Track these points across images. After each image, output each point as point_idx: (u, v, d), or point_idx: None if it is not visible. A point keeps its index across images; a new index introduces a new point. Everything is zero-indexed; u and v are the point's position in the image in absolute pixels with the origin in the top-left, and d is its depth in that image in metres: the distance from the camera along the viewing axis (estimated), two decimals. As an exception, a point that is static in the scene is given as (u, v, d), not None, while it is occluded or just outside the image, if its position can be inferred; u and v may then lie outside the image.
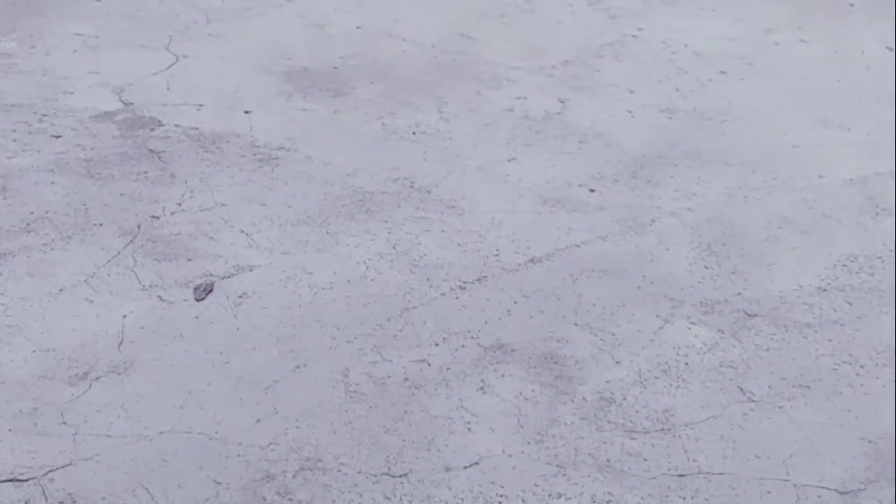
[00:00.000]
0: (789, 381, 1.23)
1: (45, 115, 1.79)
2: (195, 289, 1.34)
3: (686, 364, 1.24)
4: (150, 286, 1.35)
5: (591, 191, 1.66)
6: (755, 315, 1.33)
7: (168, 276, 1.38)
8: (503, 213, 1.57)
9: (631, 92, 1.99)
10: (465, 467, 1.09)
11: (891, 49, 2.17)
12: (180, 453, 1.09)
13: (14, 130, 1.73)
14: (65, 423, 1.13)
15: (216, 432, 1.11)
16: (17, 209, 1.51)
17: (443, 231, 1.51)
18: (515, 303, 1.35)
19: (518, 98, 1.94)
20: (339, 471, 1.05)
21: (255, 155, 1.67)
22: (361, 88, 1.92)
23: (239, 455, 1.09)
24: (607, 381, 1.19)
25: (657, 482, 1.06)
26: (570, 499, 1.04)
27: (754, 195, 1.78)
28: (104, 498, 1.03)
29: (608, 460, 1.08)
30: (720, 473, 1.09)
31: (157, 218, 1.50)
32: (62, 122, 1.76)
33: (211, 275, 1.39)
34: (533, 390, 1.20)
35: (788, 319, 1.33)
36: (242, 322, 1.28)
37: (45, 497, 1.03)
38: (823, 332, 1.32)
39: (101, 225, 1.47)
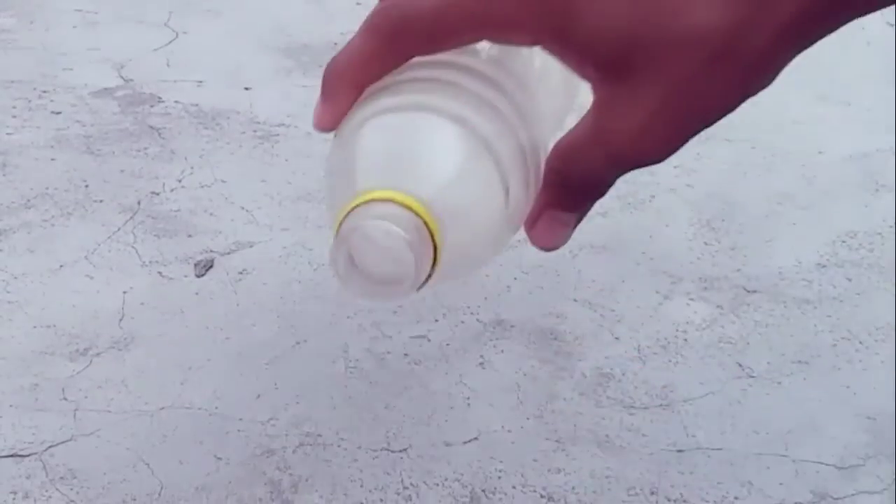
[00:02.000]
0: (788, 357, 1.23)
1: (44, 92, 1.78)
2: (195, 265, 1.34)
3: (685, 340, 1.24)
4: (150, 262, 1.36)
5: (591, 167, 1.66)
6: (754, 291, 1.33)
7: (168, 253, 1.38)
8: (503, 189, 1.57)
9: (631, 68, 1.98)
10: (465, 442, 1.10)
11: (891, 25, 2.16)
12: (181, 428, 1.09)
13: (14, 107, 1.73)
14: (65, 399, 1.13)
15: (216, 408, 1.12)
16: (18, 185, 1.51)
17: (443, 207, 1.51)
18: (515, 279, 1.35)
19: (518, 74, 1.93)
20: (339, 446, 1.06)
21: (255, 131, 1.66)
22: (361, 64, 1.92)
23: (239, 430, 1.09)
24: (606, 357, 1.20)
25: (656, 457, 1.07)
26: (570, 474, 1.04)
27: (754, 171, 1.78)
28: (105, 473, 1.04)
29: (607, 436, 1.09)
30: (719, 449, 1.09)
31: (158, 194, 1.50)
32: (62, 99, 1.76)
33: (211, 251, 1.39)
34: (532, 366, 1.20)
35: (787, 295, 1.33)
36: (243, 298, 1.28)
37: (46, 472, 1.04)
38: (822, 308, 1.32)
39: (101, 201, 1.47)
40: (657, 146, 0.79)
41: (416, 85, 0.93)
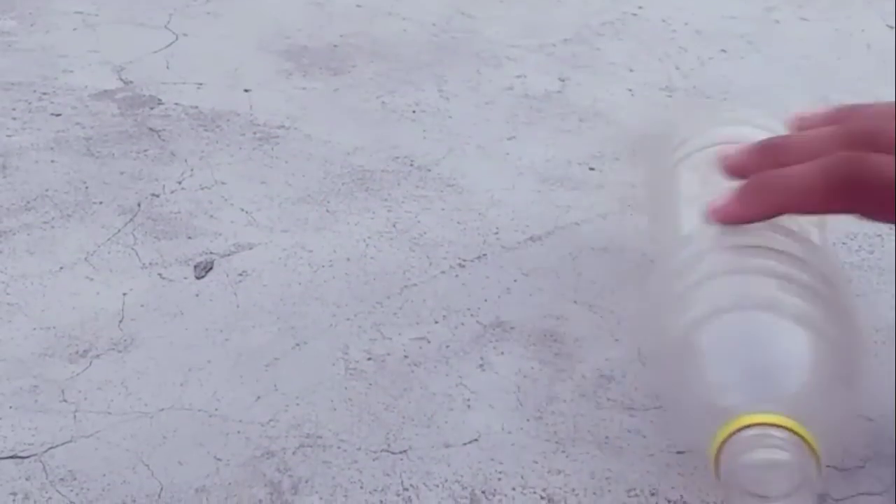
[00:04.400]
0: (788, 359, 1.22)
1: (44, 94, 1.79)
2: (195, 267, 1.34)
3: (685, 342, 1.24)
4: (150, 264, 1.36)
5: (591, 169, 1.66)
6: (754, 293, 1.33)
7: (168, 254, 1.38)
8: (503, 191, 1.57)
9: (631, 70, 1.98)
10: (465, 444, 1.09)
11: (891, 27, 2.16)
12: (180, 430, 1.09)
13: (14, 109, 1.73)
14: (65, 401, 1.13)
15: (216, 409, 1.12)
16: (18, 187, 1.51)
17: (442, 209, 1.51)
18: (515, 281, 1.35)
19: (518, 76, 1.93)
20: (339, 447, 1.06)
21: (254, 133, 1.66)
22: (361, 67, 1.92)
23: (239, 432, 1.09)
24: (606, 359, 1.19)
25: (656, 459, 1.06)
26: (570, 475, 1.04)
27: (754, 174, 1.77)
28: (104, 475, 1.03)
29: (607, 437, 1.08)
30: (719, 450, 1.09)
31: (158, 196, 1.50)
32: (62, 101, 1.76)
33: (211, 253, 1.39)
34: (532, 367, 1.20)
35: (788, 297, 1.33)
36: (242, 300, 1.28)
37: (46, 473, 1.04)
38: (822, 310, 1.32)
39: (101, 203, 1.47)
40: None
41: (758, 281, 0.90)
